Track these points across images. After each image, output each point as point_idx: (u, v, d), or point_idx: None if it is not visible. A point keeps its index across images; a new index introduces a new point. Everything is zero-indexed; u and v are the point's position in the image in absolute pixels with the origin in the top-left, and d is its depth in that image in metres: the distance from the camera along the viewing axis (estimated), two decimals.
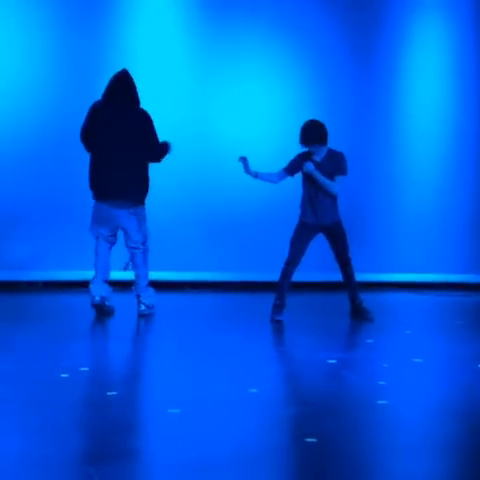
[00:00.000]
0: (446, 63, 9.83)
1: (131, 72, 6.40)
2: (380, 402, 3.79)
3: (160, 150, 6.41)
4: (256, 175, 6.47)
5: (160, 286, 8.50)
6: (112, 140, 6.22)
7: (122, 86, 6.29)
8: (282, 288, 6.46)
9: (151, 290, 6.54)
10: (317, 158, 6.43)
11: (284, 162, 6.55)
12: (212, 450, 2.98)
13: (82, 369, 4.37)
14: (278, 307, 6.46)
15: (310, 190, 6.45)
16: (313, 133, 6.32)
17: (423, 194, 9.76)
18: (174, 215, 8.82)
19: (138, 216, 6.39)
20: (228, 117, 9.09)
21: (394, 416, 3.64)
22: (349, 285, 6.59)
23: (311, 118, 6.47)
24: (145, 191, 6.39)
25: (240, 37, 9.09)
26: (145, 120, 6.32)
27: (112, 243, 6.48)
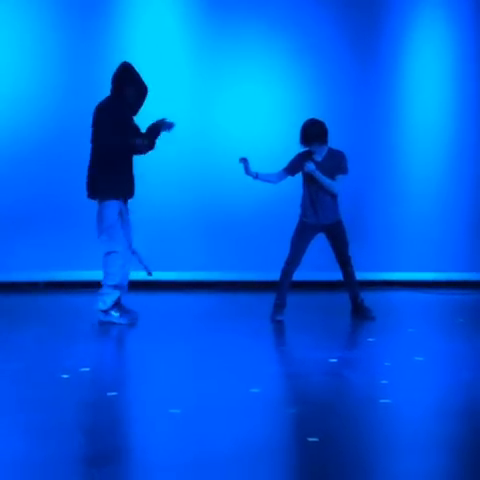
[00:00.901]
0: (447, 61, 9.81)
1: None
2: (382, 401, 3.79)
3: (110, 143, 6.00)
4: (256, 176, 6.45)
5: (160, 286, 8.50)
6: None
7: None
8: (283, 288, 6.45)
9: (107, 297, 6.10)
10: (318, 157, 6.41)
11: (284, 161, 6.53)
12: (213, 450, 2.97)
13: (83, 370, 4.37)
14: (279, 307, 6.45)
15: (311, 190, 6.44)
16: (314, 132, 6.30)
17: (424, 192, 9.75)
18: (174, 214, 8.81)
19: (98, 214, 6.12)
20: (229, 116, 9.08)
21: (396, 415, 3.63)
22: (350, 284, 6.58)
23: (311, 117, 6.45)
24: (101, 188, 6.07)
25: (241, 36, 9.07)
26: (99, 112, 6.06)
27: None
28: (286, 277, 6.44)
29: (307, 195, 6.47)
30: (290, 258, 6.43)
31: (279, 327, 6.19)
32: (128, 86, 6.11)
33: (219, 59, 9.05)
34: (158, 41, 8.87)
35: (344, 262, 6.51)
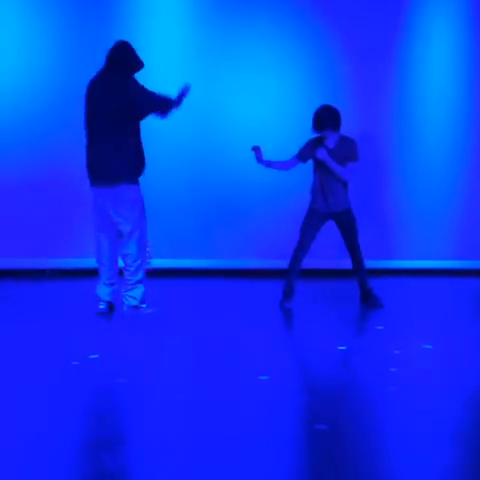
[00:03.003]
0: (457, 54, 9.81)
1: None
2: (391, 388, 3.78)
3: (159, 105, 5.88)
4: (268, 164, 6.42)
5: (169, 273, 8.51)
6: None
7: (108, 60, 6.04)
8: (291, 275, 6.45)
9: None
10: (330, 144, 6.38)
11: (292, 149, 6.51)
12: (221, 437, 2.98)
13: (92, 356, 4.37)
14: (287, 294, 6.45)
15: (321, 177, 6.42)
16: (327, 118, 6.26)
17: (433, 181, 9.73)
18: (184, 202, 8.82)
19: None
20: (237, 104, 9.07)
21: (405, 402, 3.62)
22: (359, 272, 6.57)
23: (324, 103, 6.41)
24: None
25: (251, 25, 9.06)
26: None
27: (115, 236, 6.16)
28: (295, 264, 6.43)
29: (318, 182, 6.45)
30: (299, 245, 6.42)
31: (288, 314, 6.19)
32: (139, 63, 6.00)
33: (227, 48, 9.04)
34: (167, 31, 8.85)
35: (353, 250, 6.50)
